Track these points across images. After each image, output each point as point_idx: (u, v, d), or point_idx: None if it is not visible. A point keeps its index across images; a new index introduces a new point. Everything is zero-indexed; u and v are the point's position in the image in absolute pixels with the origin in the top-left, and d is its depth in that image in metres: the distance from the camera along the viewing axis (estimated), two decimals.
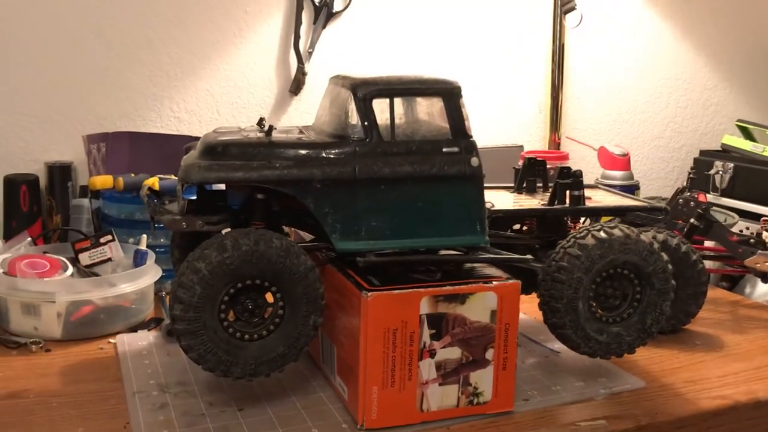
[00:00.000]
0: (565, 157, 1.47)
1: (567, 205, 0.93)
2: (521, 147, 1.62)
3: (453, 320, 0.77)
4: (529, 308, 1.01)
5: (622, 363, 0.94)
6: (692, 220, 1.13)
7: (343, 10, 1.48)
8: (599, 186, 1.09)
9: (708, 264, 1.16)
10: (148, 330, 1.02)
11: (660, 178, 1.85)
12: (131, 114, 1.38)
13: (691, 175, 1.23)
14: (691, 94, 1.84)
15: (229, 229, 0.79)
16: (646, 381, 0.90)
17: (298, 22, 1.44)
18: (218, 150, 0.77)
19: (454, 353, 0.78)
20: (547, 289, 0.83)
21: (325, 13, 1.46)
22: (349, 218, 0.78)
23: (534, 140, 1.68)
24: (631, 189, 1.44)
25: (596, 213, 0.95)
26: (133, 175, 1.19)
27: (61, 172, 1.30)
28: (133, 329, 1.03)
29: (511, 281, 0.79)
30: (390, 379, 0.76)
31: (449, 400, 0.79)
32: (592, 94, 1.73)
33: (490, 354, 0.79)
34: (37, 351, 0.95)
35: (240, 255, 0.73)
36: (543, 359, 0.95)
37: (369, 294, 0.74)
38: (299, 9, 1.44)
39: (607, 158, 1.49)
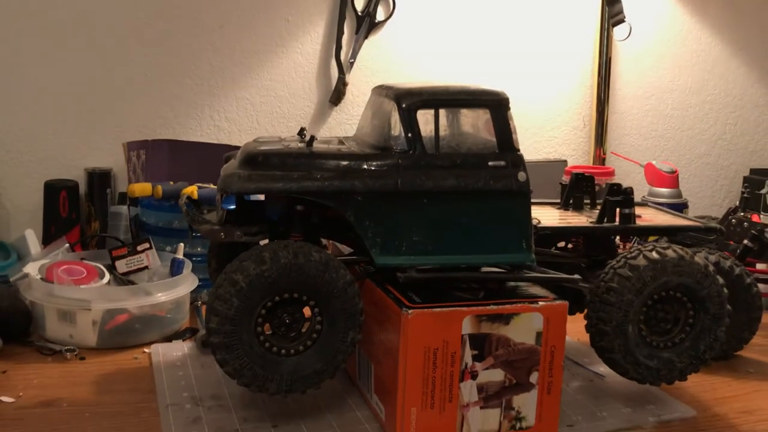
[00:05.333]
0: (611, 173, 1.43)
1: (617, 223, 0.89)
2: (565, 162, 1.59)
3: (496, 341, 0.74)
4: (573, 328, 0.97)
5: (671, 390, 0.90)
6: (746, 242, 1.09)
7: (386, 20, 1.46)
8: (648, 204, 1.05)
9: (762, 288, 1.11)
10: (183, 340, 1.01)
11: (707, 197, 1.79)
12: (171, 122, 1.38)
13: (744, 194, 1.19)
14: (741, 110, 1.78)
15: (267, 241, 0.77)
16: (697, 410, 0.85)
17: (339, 32, 1.43)
18: (258, 160, 0.75)
19: (496, 375, 0.75)
20: (595, 311, 0.80)
21: (367, 23, 1.44)
22: (390, 232, 0.76)
23: (578, 155, 1.65)
24: (680, 207, 1.40)
25: (648, 232, 0.92)
26: (172, 183, 1.19)
27: (100, 179, 1.30)
28: (168, 339, 1.01)
29: (558, 302, 0.76)
30: (429, 400, 0.74)
31: (491, 424, 0.76)
32: (638, 109, 1.69)
33: (534, 377, 0.76)
34: (71, 359, 0.95)
35: (278, 268, 0.71)
36: (588, 383, 0.91)
37: (410, 311, 0.72)
38: (341, 19, 1.43)
39: (654, 175, 1.45)
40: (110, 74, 1.33)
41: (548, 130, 1.61)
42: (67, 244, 1.15)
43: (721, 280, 0.81)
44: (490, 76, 1.54)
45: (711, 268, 0.80)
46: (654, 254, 0.79)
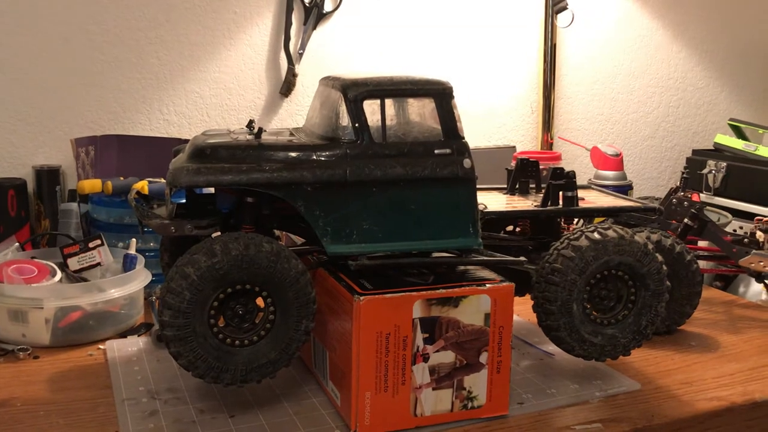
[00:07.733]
0: (558, 158, 1.47)
1: (560, 206, 0.92)
2: (514, 148, 1.62)
3: (446, 324, 0.76)
4: (523, 310, 1.00)
5: (617, 365, 0.93)
6: (686, 220, 1.13)
7: (334, 10, 1.47)
8: (592, 186, 1.08)
9: (702, 264, 1.16)
10: (138, 335, 1.01)
11: (653, 178, 1.85)
12: (120, 117, 1.37)
13: (684, 175, 1.23)
14: (683, 93, 1.84)
15: (218, 233, 0.78)
16: (641, 383, 0.89)
17: (288, 23, 1.43)
18: (207, 153, 0.76)
19: (447, 357, 0.77)
20: (541, 292, 0.82)
21: (315, 14, 1.45)
22: (341, 221, 0.77)
23: (526, 141, 1.68)
24: (624, 189, 1.44)
25: (589, 214, 0.94)
26: (122, 178, 1.18)
27: (49, 177, 1.28)
28: (123, 335, 1.01)
29: (504, 284, 0.78)
30: (383, 384, 0.75)
31: (443, 404, 0.78)
32: (585, 94, 1.73)
33: (484, 357, 0.78)
34: (24, 358, 0.94)
35: (230, 260, 0.72)
36: (537, 362, 0.94)
37: (361, 298, 0.73)
38: (289, 10, 1.43)
39: (599, 158, 1.49)
40: (56, 70, 1.31)
41: (498, 117, 1.64)
42: (17, 243, 1.14)
43: (660, 258, 0.84)
44: (438, 65, 1.56)
45: (650, 246, 0.83)
46: (595, 235, 0.82)
